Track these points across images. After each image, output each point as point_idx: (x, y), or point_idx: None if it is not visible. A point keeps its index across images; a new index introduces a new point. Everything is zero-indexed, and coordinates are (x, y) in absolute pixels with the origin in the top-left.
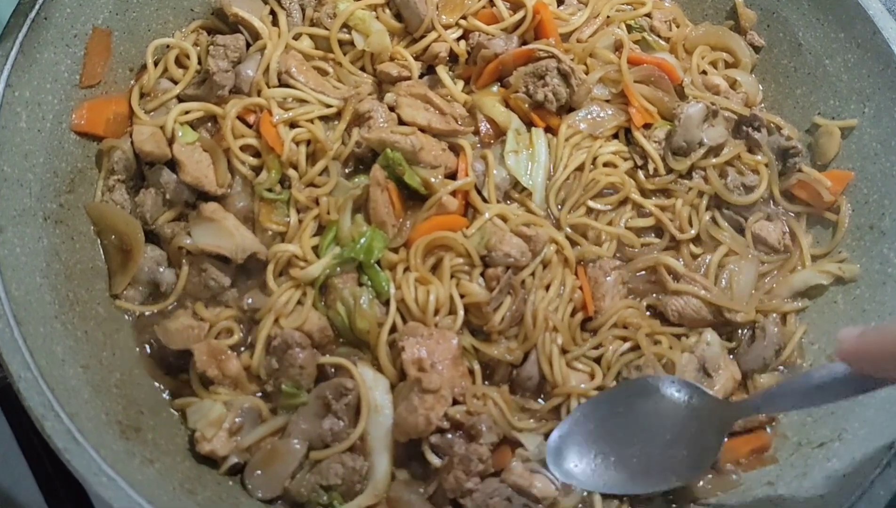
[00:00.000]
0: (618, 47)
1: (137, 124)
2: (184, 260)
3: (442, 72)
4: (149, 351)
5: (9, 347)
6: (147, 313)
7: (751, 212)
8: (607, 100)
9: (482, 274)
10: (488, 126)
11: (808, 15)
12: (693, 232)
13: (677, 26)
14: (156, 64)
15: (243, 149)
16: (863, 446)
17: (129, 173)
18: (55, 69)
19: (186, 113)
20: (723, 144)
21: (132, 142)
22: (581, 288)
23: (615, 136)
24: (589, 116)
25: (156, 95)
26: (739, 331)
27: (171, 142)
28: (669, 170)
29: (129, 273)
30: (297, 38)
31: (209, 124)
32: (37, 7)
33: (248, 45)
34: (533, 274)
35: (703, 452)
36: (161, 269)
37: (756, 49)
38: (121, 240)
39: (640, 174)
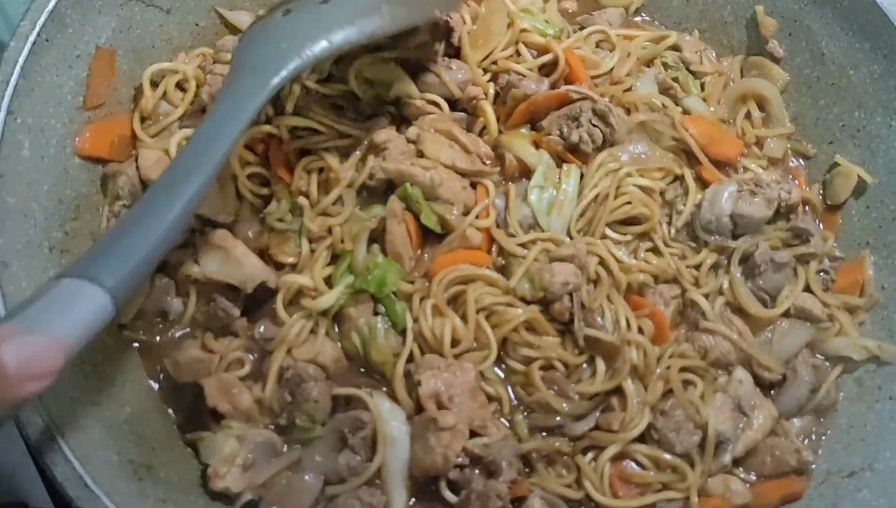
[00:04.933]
0: (663, 90)
1: (142, 148)
2: (192, 289)
3: (487, 106)
4: (159, 383)
5: None
6: (156, 340)
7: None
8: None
9: (543, 313)
10: (516, 164)
11: (831, 24)
12: (705, 290)
13: (708, 58)
14: (156, 85)
15: (251, 177)
16: (895, 476)
17: (135, 198)
18: (58, 92)
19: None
20: (759, 223)
21: (137, 167)
22: (651, 315)
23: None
24: (633, 152)
25: (156, 119)
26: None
27: None
28: (694, 238)
29: (136, 302)
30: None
31: None
32: (37, 29)
33: None
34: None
35: None
36: (169, 298)
37: (776, 60)
38: None
39: (664, 225)
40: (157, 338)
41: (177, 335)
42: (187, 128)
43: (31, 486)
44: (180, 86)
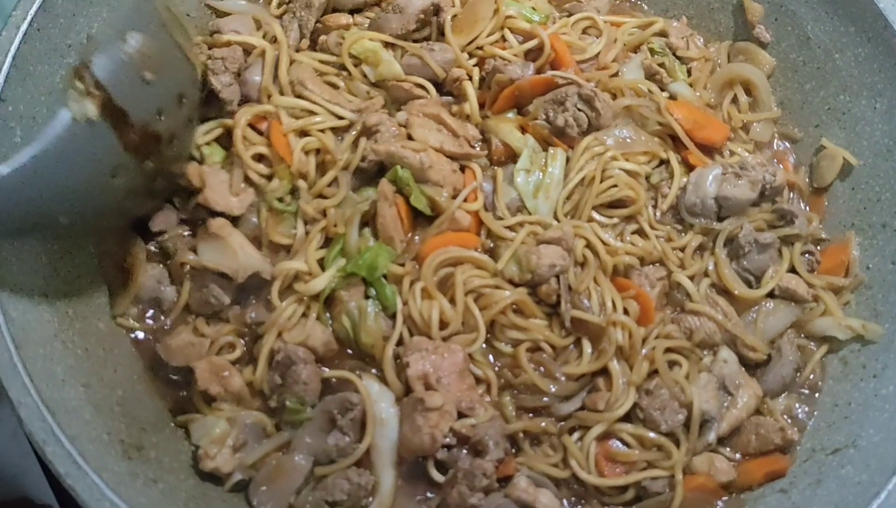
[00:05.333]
0: (649, 75)
1: None
2: (186, 277)
3: (469, 87)
4: (150, 366)
5: (8, 372)
6: (150, 327)
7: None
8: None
9: (531, 295)
10: (503, 148)
11: (816, 8)
12: (690, 271)
13: (695, 43)
14: None
15: (255, 158)
16: (877, 452)
17: None
18: (49, 81)
19: (207, 133)
20: (744, 205)
21: None
22: (637, 296)
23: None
24: (619, 137)
25: None
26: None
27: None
28: (680, 221)
29: (130, 293)
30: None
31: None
32: (28, 18)
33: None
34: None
35: None
36: (163, 287)
37: (763, 45)
38: (122, 259)
39: (650, 208)
40: (152, 325)
41: (168, 322)
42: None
43: (36, 483)
44: None
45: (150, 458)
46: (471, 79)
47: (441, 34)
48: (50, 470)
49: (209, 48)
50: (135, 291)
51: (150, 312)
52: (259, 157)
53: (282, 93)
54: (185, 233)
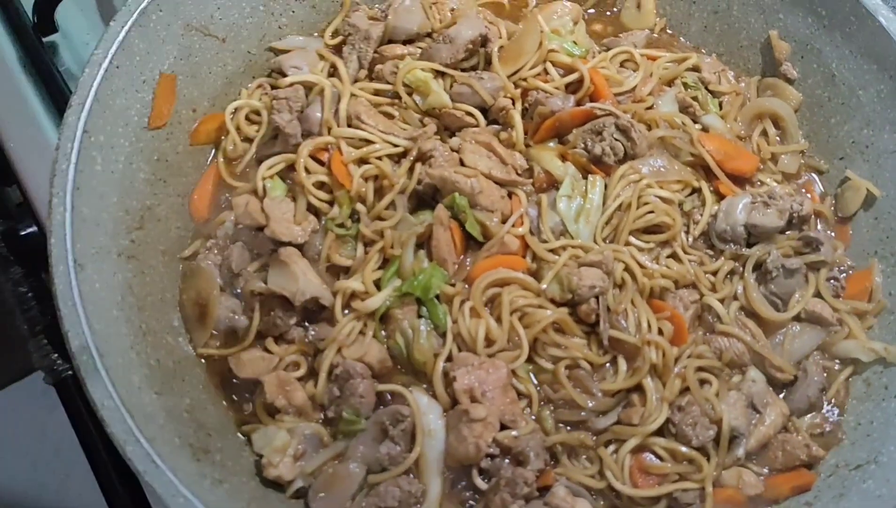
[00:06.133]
0: (683, 108)
1: (234, 196)
2: (256, 304)
3: (516, 116)
4: (219, 379)
5: (93, 378)
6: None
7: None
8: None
9: (571, 315)
10: (544, 176)
11: (841, 47)
12: (721, 295)
13: (726, 78)
14: None
15: (317, 186)
16: None
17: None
18: (126, 113)
19: (270, 168)
20: (772, 232)
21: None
22: (671, 317)
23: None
24: (653, 165)
25: (239, 160)
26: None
27: (262, 198)
28: (711, 246)
29: (207, 328)
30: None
31: (292, 175)
32: (109, 57)
33: (307, 93)
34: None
35: None
36: (236, 317)
37: (789, 81)
38: (198, 295)
39: (682, 234)
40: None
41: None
42: (265, 158)
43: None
44: (249, 119)
45: (216, 461)
46: (515, 105)
47: (488, 64)
48: (103, 477)
49: (272, 88)
50: (211, 326)
51: (225, 339)
52: (320, 185)
53: (339, 125)
54: (256, 268)
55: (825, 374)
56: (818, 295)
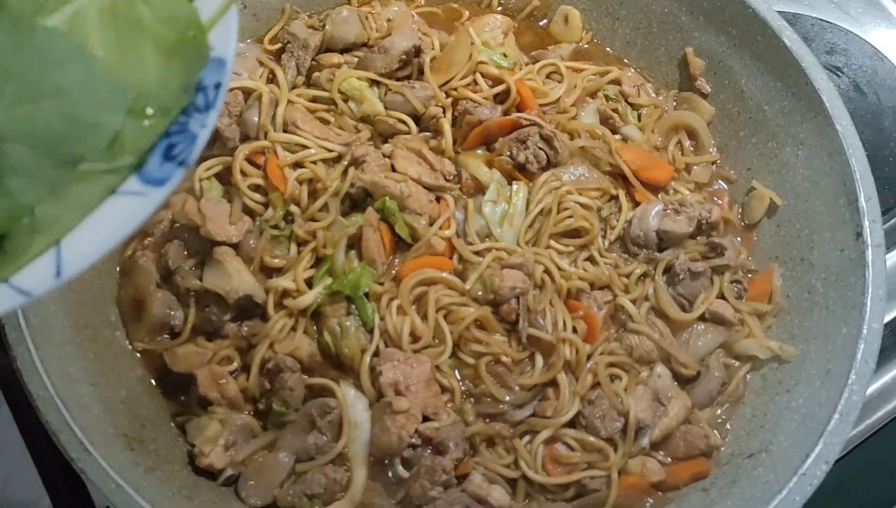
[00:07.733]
0: (603, 119)
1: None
2: (191, 300)
3: (445, 124)
4: (154, 373)
5: (28, 370)
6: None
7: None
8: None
9: (494, 313)
10: (472, 182)
11: (749, 65)
12: (633, 296)
13: (646, 91)
14: None
15: (252, 189)
16: (784, 456)
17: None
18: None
19: (208, 169)
20: (682, 238)
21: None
22: (585, 317)
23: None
24: (574, 173)
25: None
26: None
27: (199, 198)
28: (626, 251)
29: (144, 323)
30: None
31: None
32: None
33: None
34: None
35: None
36: (172, 312)
37: (703, 95)
38: (135, 291)
39: (599, 239)
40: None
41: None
42: (203, 160)
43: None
44: None
45: (150, 450)
46: (445, 114)
47: (421, 74)
48: (45, 471)
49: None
50: (148, 322)
51: (161, 333)
52: (255, 188)
53: (275, 130)
54: (192, 266)
55: (726, 370)
56: (722, 296)
